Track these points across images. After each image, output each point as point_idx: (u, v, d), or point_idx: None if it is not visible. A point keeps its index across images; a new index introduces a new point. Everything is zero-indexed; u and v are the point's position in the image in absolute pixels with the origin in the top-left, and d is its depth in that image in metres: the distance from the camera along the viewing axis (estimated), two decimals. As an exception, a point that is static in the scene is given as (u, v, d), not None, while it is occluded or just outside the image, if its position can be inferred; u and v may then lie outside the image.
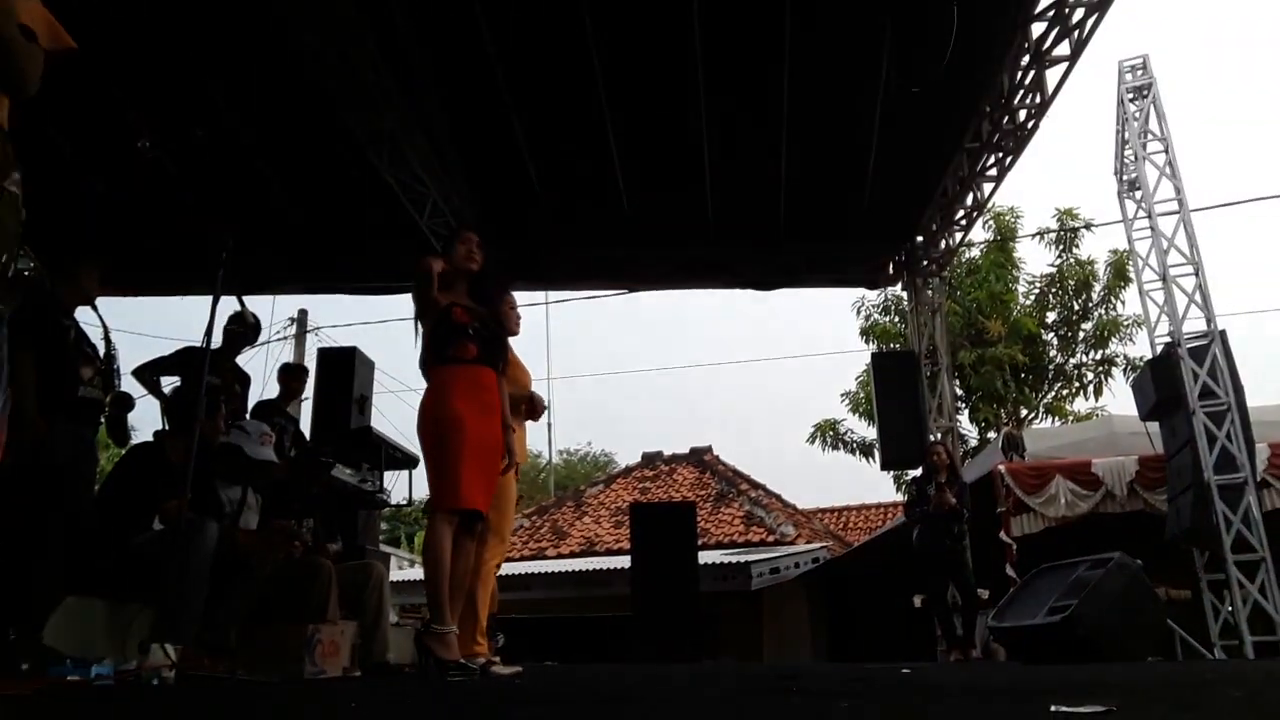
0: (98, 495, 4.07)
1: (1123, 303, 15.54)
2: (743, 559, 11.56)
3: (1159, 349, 7.71)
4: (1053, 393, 16.16)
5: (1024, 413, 15.88)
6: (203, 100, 6.72)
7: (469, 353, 3.69)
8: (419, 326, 3.82)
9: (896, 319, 16.03)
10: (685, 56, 6.54)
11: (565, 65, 6.64)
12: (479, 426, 3.62)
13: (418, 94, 6.93)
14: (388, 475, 6.96)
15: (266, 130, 7.27)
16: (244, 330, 5.72)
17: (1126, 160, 8.08)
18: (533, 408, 4.48)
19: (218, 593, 3.66)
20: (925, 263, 9.19)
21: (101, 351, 4.17)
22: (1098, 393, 15.71)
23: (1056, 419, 15.84)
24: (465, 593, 3.76)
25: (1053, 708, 1.54)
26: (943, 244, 9.11)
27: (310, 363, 9.92)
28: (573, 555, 14.29)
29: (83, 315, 4.17)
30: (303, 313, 13.78)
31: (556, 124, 7.32)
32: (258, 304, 10.17)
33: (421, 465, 3.86)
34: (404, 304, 15.20)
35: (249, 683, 2.99)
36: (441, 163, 7.61)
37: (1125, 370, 15.28)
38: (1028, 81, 6.83)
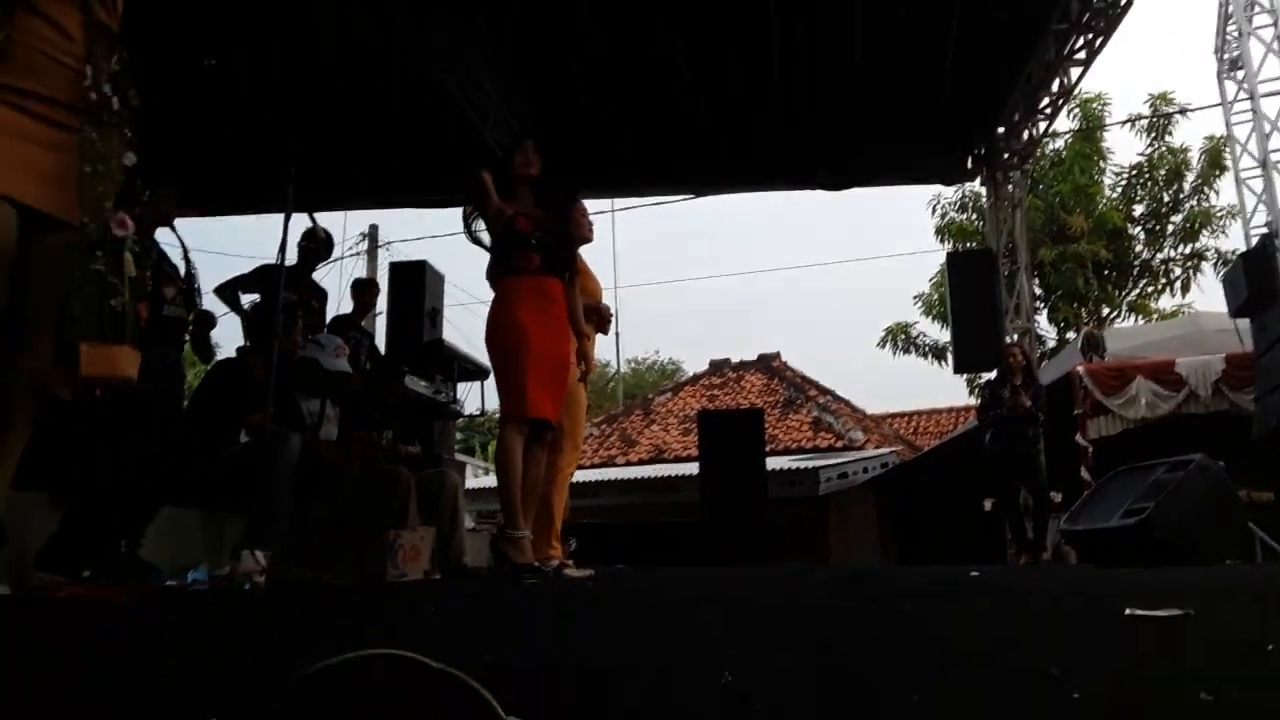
0: (186, 410, 4.26)
1: (1216, 193, 14.70)
2: (810, 464, 11.61)
3: (1254, 240, 7.30)
4: (1137, 290, 15.53)
5: (1106, 311, 15.33)
6: (269, 18, 6.68)
7: (533, 263, 3.68)
8: (476, 238, 3.81)
9: (974, 216, 15.49)
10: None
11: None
12: (544, 337, 3.65)
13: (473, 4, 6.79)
14: (460, 386, 7.11)
15: (330, 48, 7.21)
16: (316, 246, 5.81)
17: (1229, 37, 7.52)
18: (601, 319, 4.47)
19: (303, 501, 3.82)
20: (1006, 155, 8.78)
21: (182, 271, 4.30)
22: (1185, 289, 15.05)
23: (1140, 317, 15.27)
24: (537, 499, 3.87)
25: (1128, 610, 1.52)
26: (1025, 135, 8.67)
27: (382, 277, 10.09)
28: (641, 463, 14.53)
29: (162, 236, 4.29)
30: (374, 228, 13.92)
31: (621, 24, 7.09)
32: (329, 220, 10.31)
33: (493, 376, 3.92)
34: (469, 217, 15.26)
35: (335, 586, 3.14)
36: (504, 71, 7.49)
37: (1216, 265, 14.56)
38: (1121, -45, 6.35)
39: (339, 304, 9.21)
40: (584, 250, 4.33)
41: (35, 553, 2.83)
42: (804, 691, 0.81)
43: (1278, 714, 0.67)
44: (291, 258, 5.08)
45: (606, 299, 4.69)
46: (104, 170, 1.99)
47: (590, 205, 9.75)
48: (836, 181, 8.94)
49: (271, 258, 4.55)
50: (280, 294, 3.80)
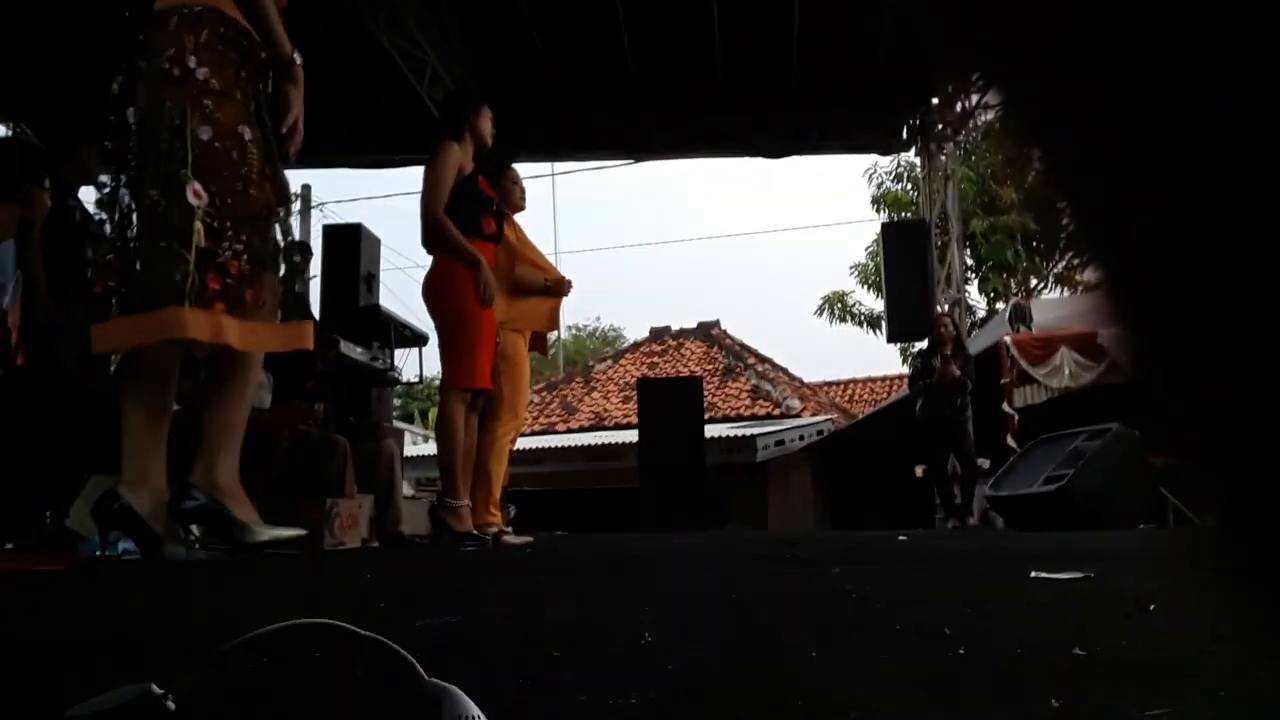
0: (114, 374, 4.15)
1: (1144, 170, 15.16)
2: (748, 432, 11.80)
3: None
4: (1065, 262, 16.02)
5: (1034, 283, 15.80)
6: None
7: (489, 227, 3.67)
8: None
9: (909, 187, 15.77)
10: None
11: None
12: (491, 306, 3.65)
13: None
14: (398, 353, 7.04)
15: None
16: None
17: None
18: (559, 289, 4.34)
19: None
20: (940, 127, 8.96)
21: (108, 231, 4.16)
22: (1111, 262, 15.56)
23: (1067, 289, 15.77)
24: (475, 467, 3.89)
25: (1032, 573, 1.61)
26: (959, 107, 8.84)
27: (315, 240, 9.87)
28: (582, 430, 14.60)
29: (87, 195, 4.15)
30: (306, 188, 13.60)
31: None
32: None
33: (433, 342, 3.90)
34: (408, 177, 14.94)
35: (270, 554, 3.12)
36: (441, 29, 7.35)
37: (1140, 240, 15.06)
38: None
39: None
40: (524, 213, 4.32)
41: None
42: (716, 648, 0.86)
43: (1136, 665, 0.74)
44: None
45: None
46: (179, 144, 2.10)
47: (530, 169, 9.67)
48: (776, 149, 9.02)
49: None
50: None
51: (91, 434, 3.40)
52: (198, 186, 2.09)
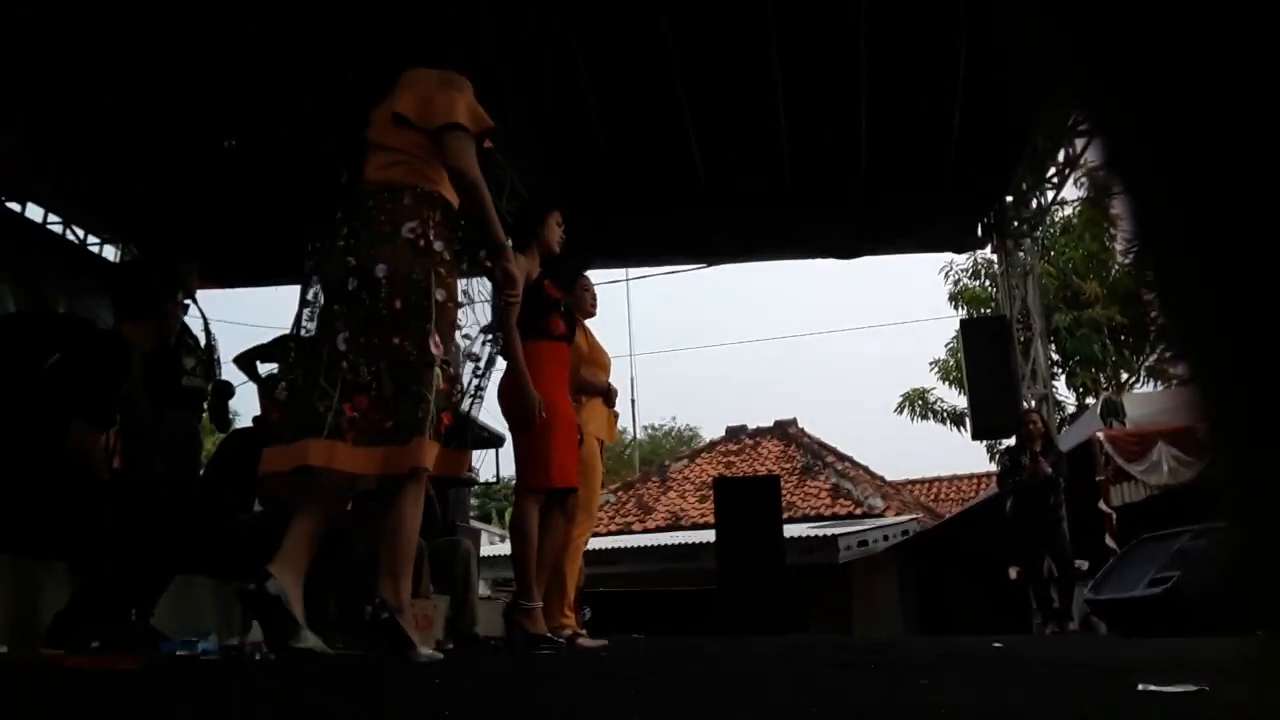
0: (202, 478, 4.29)
1: (1232, 257, 14.72)
2: (829, 532, 11.47)
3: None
4: (1155, 355, 15.45)
5: (1124, 377, 15.25)
6: (286, 100, 6.93)
7: (558, 328, 3.74)
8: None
9: (987, 283, 15.55)
10: (758, 4, 6.38)
11: (634, 27, 6.57)
12: (565, 404, 3.68)
13: (491, 73, 7.00)
14: (475, 454, 7.13)
15: (345, 124, 7.45)
16: None
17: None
18: (610, 399, 4.47)
19: (315, 569, 3.81)
20: (1015, 223, 8.87)
21: (202, 342, 4.38)
22: (1205, 353, 14.97)
23: (1160, 383, 15.16)
24: (551, 568, 3.85)
25: (1140, 685, 1.49)
26: (1034, 203, 8.78)
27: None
28: (658, 530, 14.40)
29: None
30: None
31: (629, 96, 7.28)
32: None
33: (509, 442, 3.94)
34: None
35: (345, 656, 3.12)
36: (518, 143, 7.68)
37: (1236, 328, 14.50)
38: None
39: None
40: (599, 315, 4.40)
41: (46, 627, 2.84)
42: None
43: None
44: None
45: (623, 364, 4.74)
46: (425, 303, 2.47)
47: (604, 275, 9.87)
48: (848, 249, 9.04)
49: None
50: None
51: (178, 535, 3.49)
52: (437, 339, 2.48)
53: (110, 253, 8.88)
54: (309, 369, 2.54)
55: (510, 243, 3.28)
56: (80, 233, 8.66)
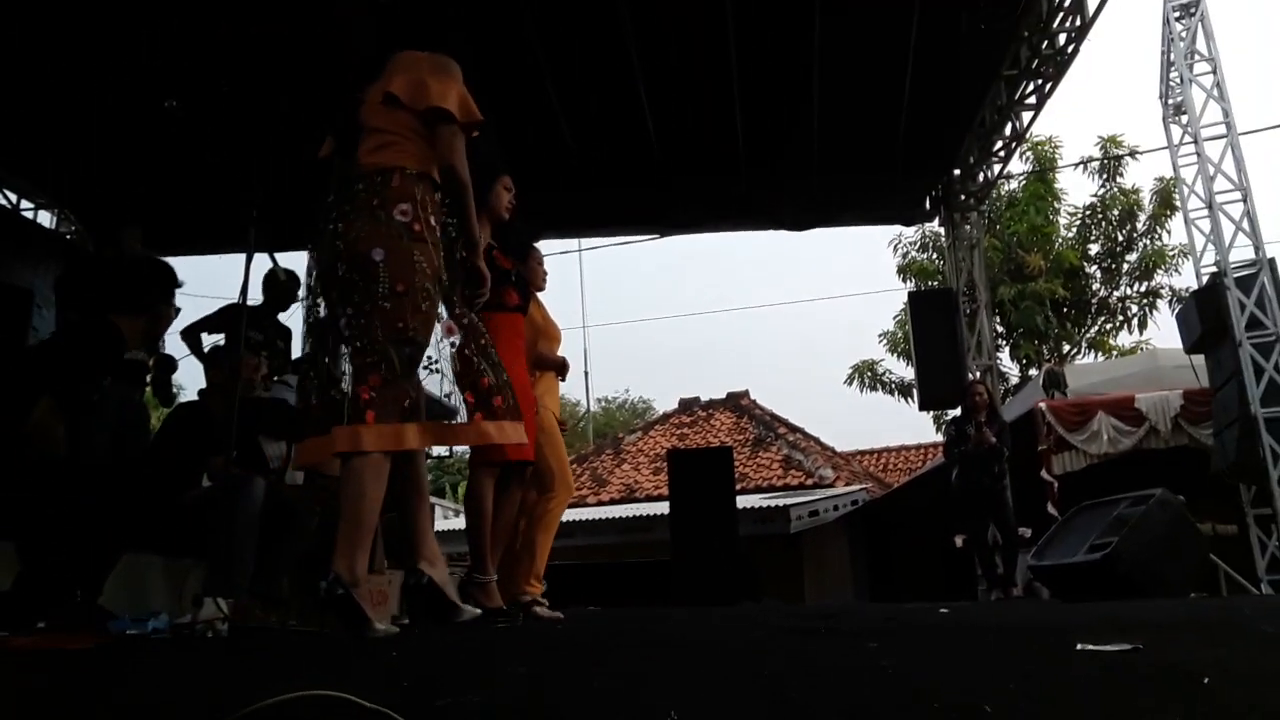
0: (147, 454, 4.20)
1: (1168, 232, 15.14)
2: (781, 502, 11.63)
3: (1204, 279, 7.51)
4: (1096, 327, 15.86)
5: (1066, 349, 15.63)
6: (230, 55, 6.73)
7: (512, 300, 3.70)
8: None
9: (934, 256, 15.78)
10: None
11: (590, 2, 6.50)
12: (522, 376, 3.65)
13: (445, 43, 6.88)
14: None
15: (294, 88, 7.27)
16: (291, 285, 5.73)
17: (1172, 83, 7.78)
18: (562, 372, 4.45)
19: (267, 546, 3.77)
20: (963, 197, 9.01)
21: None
22: (1142, 326, 15.43)
23: (1100, 354, 15.58)
24: (506, 542, 3.85)
25: (1079, 646, 1.55)
26: (980, 177, 8.91)
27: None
28: (613, 502, 14.47)
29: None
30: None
31: (583, 65, 7.20)
32: (293, 260, 10.24)
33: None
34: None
35: (299, 632, 3.10)
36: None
37: (1171, 302, 14.94)
38: (1067, 4, 6.59)
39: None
40: (549, 288, 4.37)
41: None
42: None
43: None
44: (257, 298, 5.06)
45: (575, 337, 4.74)
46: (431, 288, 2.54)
47: (557, 245, 9.80)
48: (800, 221, 9.10)
49: (235, 298, 4.54)
50: (241, 336, 3.78)
51: (124, 513, 3.42)
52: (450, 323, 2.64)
53: (46, 219, 8.60)
54: (322, 355, 2.65)
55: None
56: (13, 197, 8.36)
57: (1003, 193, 15.44)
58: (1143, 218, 15.28)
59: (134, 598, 3.65)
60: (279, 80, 7.13)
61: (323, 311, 2.69)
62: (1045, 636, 2.01)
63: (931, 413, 14.52)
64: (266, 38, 6.68)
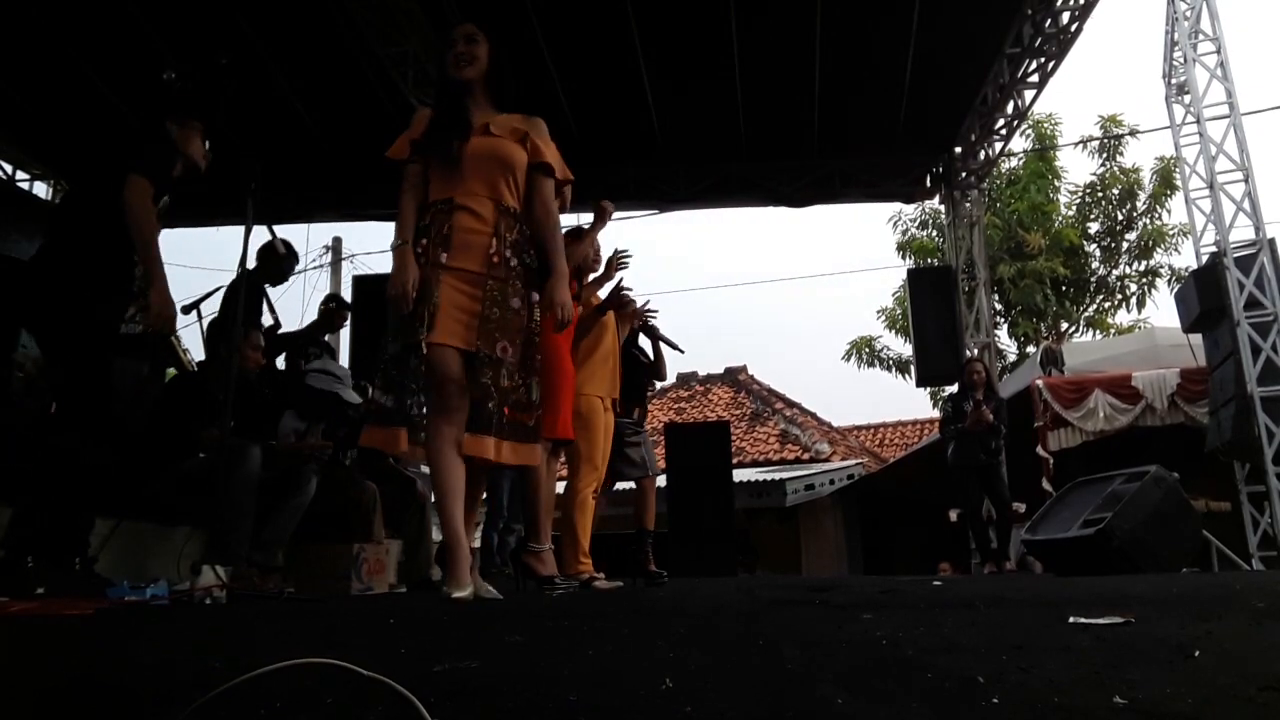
0: (146, 424, 4.20)
1: (1168, 212, 15.09)
2: (777, 476, 11.68)
3: (1204, 259, 7.50)
4: (1094, 306, 15.85)
5: (1064, 327, 15.62)
6: (229, 29, 6.67)
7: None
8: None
9: (934, 233, 15.73)
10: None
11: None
12: (569, 360, 3.82)
13: (442, 15, 6.82)
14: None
15: (293, 58, 7.22)
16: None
17: (1175, 62, 7.73)
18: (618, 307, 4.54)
19: (265, 514, 3.79)
20: (963, 174, 8.97)
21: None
22: (1140, 305, 15.41)
23: (1098, 332, 15.58)
24: (551, 511, 3.98)
25: (1071, 619, 1.56)
26: (981, 154, 8.87)
27: (346, 291, 10.01)
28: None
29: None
30: (337, 240, 13.83)
31: (583, 41, 7.15)
32: (292, 233, 10.19)
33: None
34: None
35: (297, 600, 3.12)
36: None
37: (1170, 282, 14.93)
38: (1072, -20, 6.53)
39: (304, 315, 9.13)
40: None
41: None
42: (738, 695, 0.84)
43: (1179, 715, 0.71)
44: (277, 288, 5.28)
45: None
46: (498, 313, 2.79)
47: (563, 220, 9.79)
48: (800, 198, 9.06)
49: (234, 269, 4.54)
50: (239, 309, 3.77)
51: (121, 481, 3.43)
52: (505, 344, 2.78)
53: (41, 189, 8.55)
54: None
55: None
56: (9, 168, 8.31)
57: (1003, 170, 15.36)
58: (1143, 197, 15.23)
59: (133, 565, 3.67)
60: (278, 52, 7.08)
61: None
62: (1038, 609, 2.02)
63: (928, 389, 14.53)
64: (265, 10, 6.62)
